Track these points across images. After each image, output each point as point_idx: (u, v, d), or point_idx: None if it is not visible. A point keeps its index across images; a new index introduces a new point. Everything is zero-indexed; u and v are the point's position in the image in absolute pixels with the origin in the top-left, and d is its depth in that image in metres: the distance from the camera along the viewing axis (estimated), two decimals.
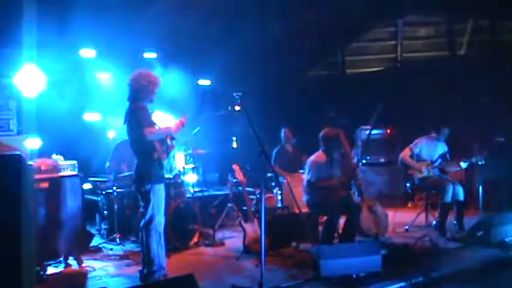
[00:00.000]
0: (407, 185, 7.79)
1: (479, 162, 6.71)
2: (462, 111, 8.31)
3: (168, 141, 4.85)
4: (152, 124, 4.79)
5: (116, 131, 7.09)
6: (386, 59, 11.83)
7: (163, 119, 5.53)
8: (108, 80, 8.25)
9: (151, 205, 4.68)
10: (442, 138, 7.03)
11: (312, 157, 6.22)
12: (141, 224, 4.77)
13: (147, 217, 4.70)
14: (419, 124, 8.07)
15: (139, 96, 4.78)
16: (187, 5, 8.19)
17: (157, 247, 4.71)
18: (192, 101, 9.18)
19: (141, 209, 4.81)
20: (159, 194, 4.74)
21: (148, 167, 4.68)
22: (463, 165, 6.82)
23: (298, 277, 4.89)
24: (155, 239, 4.69)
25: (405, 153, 7.10)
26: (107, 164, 6.69)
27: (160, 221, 4.74)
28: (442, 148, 7.06)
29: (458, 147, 7.24)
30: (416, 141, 7.11)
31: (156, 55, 8.84)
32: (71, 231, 5.41)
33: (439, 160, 6.94)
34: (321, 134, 6.25)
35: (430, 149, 7.01)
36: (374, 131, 9.32)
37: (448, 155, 7.03)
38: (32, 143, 5.55)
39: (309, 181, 6.11)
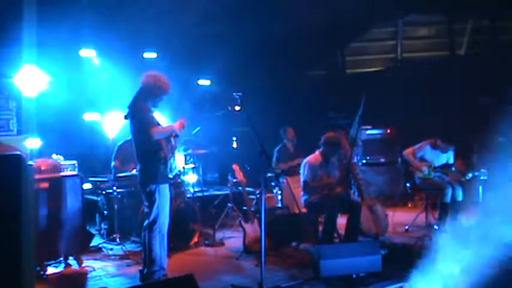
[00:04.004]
0: (408, 185, 7.79)
1: (482, 177, 6.67)
2: (462, 111, 8.30)
3: (172, 141, 4.85)
4: (156, 124, 4.78)
5: (115, 130, 7.09)
6: (387, 59, 11.82)
7: (162, 120, 5.53)
8: (108, 79, 8.26)
9: (156, 205, 4.65)
10: (444, 150, 7.03)
11: (308, 158, 6.25)
12: (145, 223, 4.75)
13: (151, 217, 4.68)
14: (419, 124, 8.06)
15: (149, 96, 4.76)
16: (187, 5, 8.18)
17: (160, 248, 4.68)
18: (192, 101, 9.18)
19: (146, 210, 4.78)
20: (164, 195, 4.71)
21: (154, 167, 4.65)
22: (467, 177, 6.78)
23: (298, 277, 4.88)
24: (158, 240, 4.67)
25: (409, 152, 7.11)
26: (112, 163, 6.68)
27: (164, 221, 4.72)
28: (446, 156, 7.05)
29: (458, 147, 7.24)
30: (420, 145, 7.09)
31: (156, 55, 8.85)
32: (71, 231, 5.40)
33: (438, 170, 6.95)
34: (324, 137, 6.24)
35: (433, 156, 7.03)
36: (374, 131, 9.34)
37: (451, 163, 7.02)
38: (32, 143, 5.57)
39: (304, 182, 6.16)
